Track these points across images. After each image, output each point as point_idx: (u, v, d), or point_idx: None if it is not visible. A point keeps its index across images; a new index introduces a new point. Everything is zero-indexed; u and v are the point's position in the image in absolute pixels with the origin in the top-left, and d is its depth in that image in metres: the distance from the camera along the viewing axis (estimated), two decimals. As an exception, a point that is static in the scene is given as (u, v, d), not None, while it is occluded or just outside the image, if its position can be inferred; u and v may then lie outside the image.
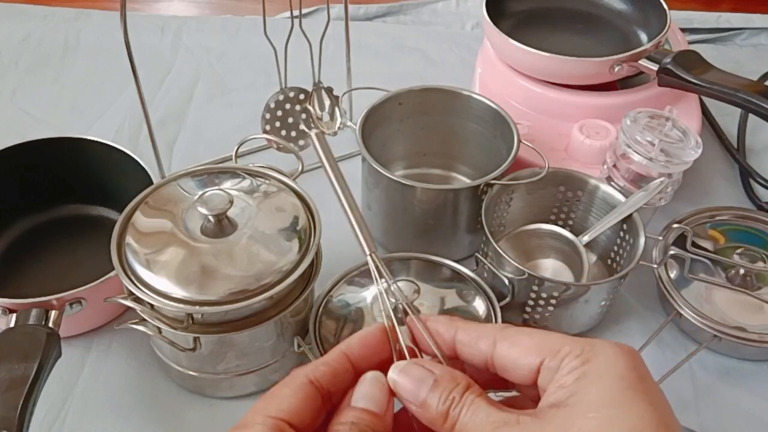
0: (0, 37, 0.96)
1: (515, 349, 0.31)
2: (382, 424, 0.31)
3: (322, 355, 0.53)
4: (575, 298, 0.57)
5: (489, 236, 0.59)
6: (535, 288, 0.57)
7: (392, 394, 0.32)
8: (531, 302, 0.59)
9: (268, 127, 0.73)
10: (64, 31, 0.98)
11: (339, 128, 0.75)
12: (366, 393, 0.32)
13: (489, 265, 0.60)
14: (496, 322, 0.56)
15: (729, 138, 0.83)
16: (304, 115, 0.75)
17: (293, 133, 0.75)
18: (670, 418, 0.28)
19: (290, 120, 0.74)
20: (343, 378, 0.32)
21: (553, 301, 0.58)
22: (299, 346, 0.55)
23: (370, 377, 0.32)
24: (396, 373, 0.32)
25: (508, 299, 0.58)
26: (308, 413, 0.30)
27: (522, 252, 0.66)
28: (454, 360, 0.34)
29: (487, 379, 0.34)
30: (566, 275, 0.64)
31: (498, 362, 0.32)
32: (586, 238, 0.63)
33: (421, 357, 0.34)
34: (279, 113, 0.73)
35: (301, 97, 0.74)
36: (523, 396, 0.34)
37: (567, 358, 0.29)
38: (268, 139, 0.73)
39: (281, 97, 0.72)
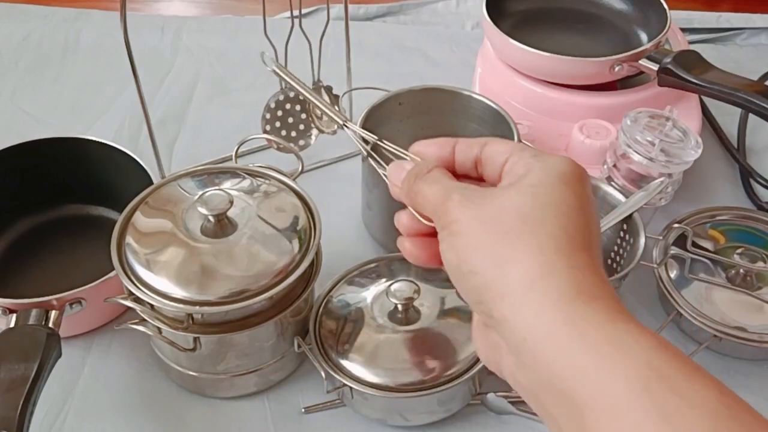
0: (0, 37, 0.96)
1: (495, 147, 0.36)
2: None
3: (322, 355, 0.53)
4: None
5: None
6: None
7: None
8: None
9: (268, 127, 0.73)
10: (64, 31, 0.98)
11: (339, 127, 0.75)
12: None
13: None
14: None
15: (729, 138, 0.83)
16: (304, 115, 0.75)
17: (293, 133, 0.75)
18: (590, 210, 0.33)
19: (290, 120, 0.74)
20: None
21: None
22: (299, 347, 0.55)
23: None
24: (390, 168, 0.39)
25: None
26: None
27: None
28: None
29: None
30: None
31: (483, 159, 0.37)
32: (586, 238, 0.63)
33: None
34: (279, 113, 0.74)
35: (301, 97, 0.73)
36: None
37: (526, 156, 0.34)
38: (268, 139, 0.73)
39: (281, 97, 0.73)
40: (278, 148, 0.73)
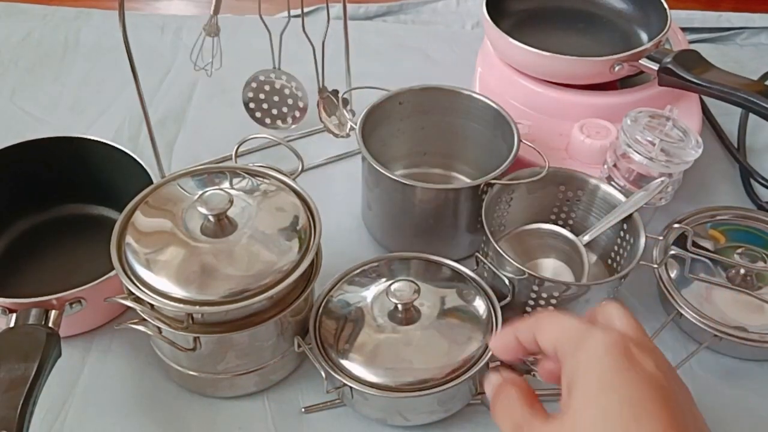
0: (0, 36, 0.96)
1: (541, 336, 0.36)
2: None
3: (322, 355, 0.53)
4: (575, 298, 0.57)
5: (489, 236, 0.59)
6: (536, 288, 0.57)
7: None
8: (531, 302, 0.59)
9: (250, 95, 0.74)
10: (64, 30, 0.98)
11: (350, 129, 0.75)
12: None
13: (489, 264, 0.60)
14: (496, 322, 0.56)
15: (729, 137, 0.83)
16: (287, 90, 0.75)
17: (275, 111, 0.76)
18: (641, 409, 0.30)
19: (276, 98, 0.75)
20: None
21: (553, 301, 0.58)
22: (299, 346, 0.55)
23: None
24: (485, 384, 0.40)
25: (508, 299, 0.58)
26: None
27: (522, 252, 0.66)
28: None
29: None
30: (566, 275, 0.63)
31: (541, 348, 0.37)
32: (586, 238, 0.63)
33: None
34: (266, 88, 0.75)
35: (293, 84, 0.74)
36: None
37: (563, 351, 0.34)
38: (265, 128, 0.74)
39: (272, 75, 0.73)
40: (269, 124, 0.74)
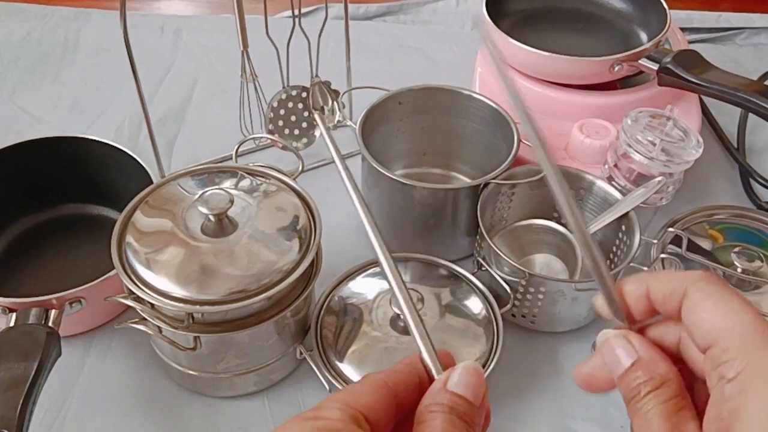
0: (0, 36, 0.96)
1: (693, 316, 0.28)
2: (478, 416, 0.29)
3: (324, 363, 0.53)
4: (563, 295, 0.57)
5: (484, 232, 0.59)
6: (524, 282, 0.57)
7: (486, 387, 0.31)
8: (519, 296, 0.59)
9: (271, 126, 0.73)
10: (63, 30, 0.98)
11: (339, 121, 0.75)
12: (464, 380, 0.30)
13: (483, 262, 0.60)
14: (495, 324, 0.56)
15: (729, 138, 0.83)
16: (306, 113, 0.75)
17: (296, 131, 0.75)
18: None
19: (293, 118, 0.74)
20: (414, 389, 0.31)
21: (540, 296, 0.58)
22: (300, 353, 0.55)
23: (467, 365, 0.31)
24: (601, 341, 0.31)
25: (509, 306, 0.58)
26: (383, 413, 0.29)
27: (517, 247, 0.66)
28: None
29: None
30: (560, 270, 0.64)
31: (685, 326, 0.29)
32: (582, 235, 0.63)
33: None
34: (282, 112, 0.74)
35: (303, 95, 0.74)
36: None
37: (728, 367, 0.26)
38: (272, 139, 0.73)
39: (284, 96, 0.73)
40: (282, 147, 0.73)
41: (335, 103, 0.74)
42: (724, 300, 0.27)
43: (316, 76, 0.73)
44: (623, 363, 0.29)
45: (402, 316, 0.34)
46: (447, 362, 0.32)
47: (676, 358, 0.30)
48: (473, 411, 0.29)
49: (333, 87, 0.75)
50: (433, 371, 0.32)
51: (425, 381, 0.31)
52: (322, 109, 0.75)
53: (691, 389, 0.30)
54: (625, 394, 0.29)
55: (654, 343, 0.30)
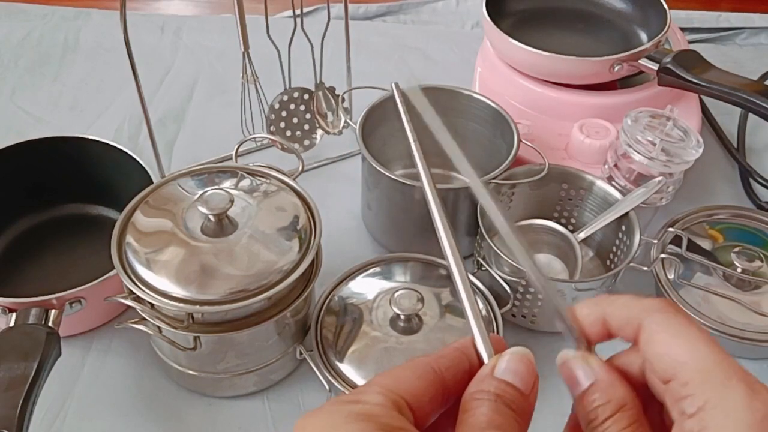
0: (0, 36, 0.96)
1: (654, 347, 0.28)
2: (527, 404, 0.28)
3: (324, 363, 0.53)
4: (563, 295, 0.58)
5: (484, 233, 0.59)
6: (524, 282, 0.57)
7: (537, 375, 0.29)
8: (519, 296, 0.59)
9: (273, 128, 0.73)
10: (63, 30, 0.98)
11: (344, 127, 0.75)
12: (512, 367, 0.28)
13: (483, 262, 0.60)
14: (495, 323, 0.56)
15: (729, 137, 0.83)
16: (308, 115, 0.75)
17: (298, 133, 0.75)
18: None
19: (295, 120, 0.74)
20: (463, 375, 0.29)
21: (540, 296, 0.58)
22: (300, 354, 0.55)
23: (516, 351, 0.29)
24: (560, 361, 0.30)
25: (509, 306, 0.58)
26: (427, 400, 0.28)
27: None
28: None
29: None
30: (560, 270, 0.64)
31: (644, 356, 0.28)
32: (581, 235, 0.63)
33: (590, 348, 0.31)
34: (283, 114, 0.74)
35: (305, 97, 0.74)
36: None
37: (688, 403, 0.26)
38: (272, 140, 0.73)
39: (285, 98, 0.73)
40: (282, 148, 0.73)
41: (339, 109, 0.74)
42: (681, 332, 0.27)
43: (321, 81, 0.73)
44: (581, 384, 0.29)
45: (457, 295, 0.33)
46: (499, 348, 0.30)
47: (639, 383, 0.30)
48: (522, 399, 0.28)
49: (336, 91, 0.75)
50: (485, 356, 0.30)
51: (475, 367, 0.30)
52: (326, 114, 0.75)
53: (654, 409, 0.30)
54: (582, 417, 0.28)
55: (617, 368, 0.30)
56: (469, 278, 0.34)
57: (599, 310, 0.30)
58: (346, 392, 0.51)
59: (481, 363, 0.30)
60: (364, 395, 0.27)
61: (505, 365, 0.28)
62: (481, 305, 0.57)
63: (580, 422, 0.29)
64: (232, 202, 0.51)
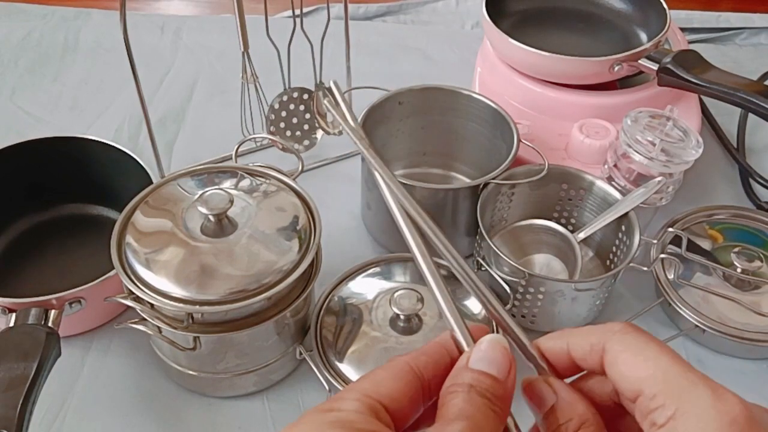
0: (0, 36, 0.96)
1: (619, 367, 0.28)
2: (504, 390, 0.28)
3: (324, 364, 0.53)
4: (562, 295, 0.58)
5: (483, 233, 0.59)
6: (523, 282, 0.57)
7: (513, 359, 0.29)
8: (519, 296, 0.59)
9: (272, 128, 0.73)
10: (63, 30, 0.98)
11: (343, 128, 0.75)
12: (487, 356, 0.29)
13: (483, 262, 0.60)
14: (496, 326, 0.56)
15: (729, 137, 0.83)
16: (308, 115, 0.75)
17: (298, 133, 0.75)
18: None
19: (294, 120, 0.74)
20: (444, 370, 0.30)
21: (540, 296, 0.58)
22: (300, 354, 0.55)
23: (490, 339, 0.29)
24: (523, 385, 0.30)
25: (509, 306, 0.58)
26: (406, 401, 0.28)
27: (517, 247, 0.66)
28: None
29: None
30: (559, 270, 0.64)
31: (610, 377, 0.29)
32: (581, 235, 0.63)
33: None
34: (283, 114, 0.74)
35: (305, 97, 0.74)
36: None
37: (658, 414, 0.26)
38: (272, 140, 0.73)
39: (285, 98, 0.73)
40: (282, 149, 0.73)
41: (344, 107, 0.74)
42: (642, 348, 0.28)
43: (321, 81, 0.73)
44: (545, 404, 0.29)
45: (430, 289, 0.33)
46: (481, 336, 0.30)
47: (603, 402, 0.30)
48: (497, 386, 0.28)
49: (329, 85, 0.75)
50: (464, 346, 0.30)
51: (456, 360, 0.30)
52: (326, 114, 0.75)
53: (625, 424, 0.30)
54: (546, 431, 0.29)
55: (579, 389, 0.30)
56: (438, 270, 0.35)
57: (562, 342, 0.31)
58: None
59: (461, 354, 0.30)
60: (340, 402, 0.27)
61: (480, 354, 0.29)
62: (480, 305, 0.57)
63: None
64: (231, 202, 0.51)
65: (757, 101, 0.62)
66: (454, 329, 0.31)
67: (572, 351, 0.30)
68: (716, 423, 0.25)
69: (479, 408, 0.27)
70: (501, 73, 0.77)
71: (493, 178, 0.61)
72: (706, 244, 0.66)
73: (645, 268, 0.60)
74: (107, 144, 0.67)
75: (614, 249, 0.64)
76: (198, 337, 0.51)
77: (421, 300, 0.53)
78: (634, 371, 0.27)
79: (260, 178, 0.56)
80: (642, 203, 0.62)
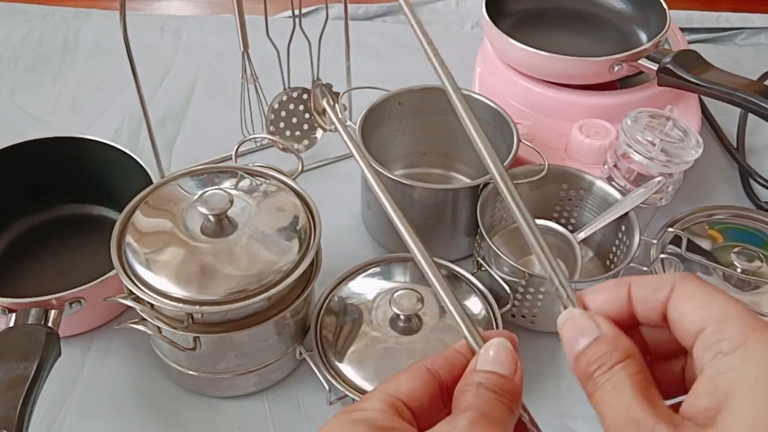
0: (0, 36, 0.96)
1: (684, 304, 0.28)
2: (511, 386, 0.30)
3: (324, 364, 0.53)
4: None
5: (483, 233, 0.59)
6: (523, 282, 0.57)
7: (518, 359, 0.31)
8: (519, 296, 0.59)
9: (272, 128, 0.73)
10: (63, 30, 0.98)
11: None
12: (491, 357, 0.31)
13: (482, 262, 0.60)
14: (495, 323, 0.56)
15: (729, 137, 0.83)
16: (307, 115, 0.75)
17: (297, 133, 0.75)
18: None
19: (294, 120, 0.74)
20: (460, 371, 0.32)
21: (540, 296, 0.58)
22: (300, 354, 0.55)
23: (495, 342, 0.31)
24: (563, 319, 0.30)
25: (509, 306, 0.58)
26: (425, 398, 0.30)
27: (517, 247, 0.66)
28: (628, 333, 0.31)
29: (667, 347, 0.31)
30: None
31: (669, 315, 0.29)
32: (581, 235, 0.63)
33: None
34: (283, 114, 0.74)
35: (305, 96, 0.74)
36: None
37: (726, 342, 0.26)
38: (272, 140, 0.73)
39: (285, 98, 0.73)
40: (282, 149, 0.73)
41: (336, 105, 0.74)
42: (713, 292, 0.28)
43: (318, 78, 0.73)
44: (589, 336, 0.29)
45: (440, 297, 0.36)
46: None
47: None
48: (505, 382, 0.30)
49: (334, 89, 0.75)
50: (476, 349, 0.32)
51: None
52: (323, 111, 0.75)
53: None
54: (585, 369, 0.28)
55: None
56: (443, 278, 0.38)
57: (621, 288, 0.30)
58: (346, 392, 0.51)
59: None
60: (365, 403, 0.30)
61: (487, 357, 0.31)
62: (480, 305, 0.57)
63: (579, 381, 0.29)
64: (231, 202, 0.51)
65: (757, 101, 0.62)
66: (466, 335, 0.33)
67: (634, 291, 0.30)
68: None
69: (488, 400, 0.29)
70: (501, 73, 0.77)
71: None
72: (706, 244, 0.66)
73: (645, 268, 0.60)
74: (107, 144, 0.67)
75: (614, 249, 0.64)
76: (198, 337, 0.51)
77: (421, 300, 0.53)
78: (706, 308, 0.27)
79: (260, 178, 0.56)
80: (642, 203, 0.62)
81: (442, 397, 0.31)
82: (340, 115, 0.73)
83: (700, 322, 0.27)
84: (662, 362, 0.31)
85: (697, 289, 0.28)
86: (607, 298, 0.30)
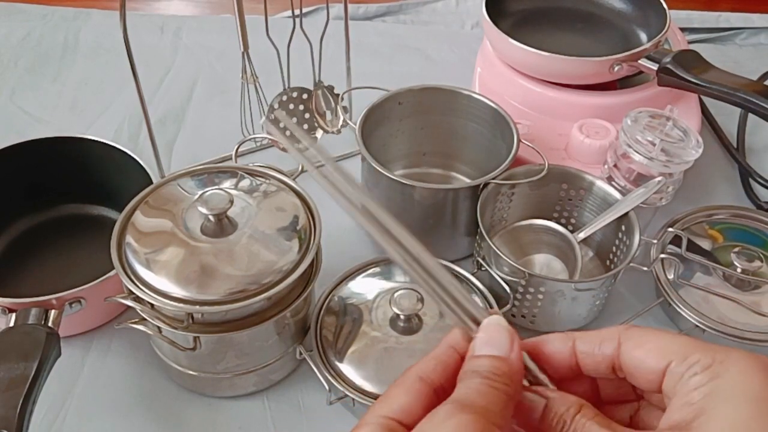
0: (0, 36, 0.96)
1: (640, 351, 0.29)
2: (508, 367, 0.29)
3: (324, 364, 0.53)
4: (562, 295, 0.58)
5: (483, 233, 0.59)
6: (523, 282, 0.57)
7: (514, 334, 0.30)
8: (519, 296, 0.59)
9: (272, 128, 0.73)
10: (63, 30, 0.98)
11: (342, 126, 0.75)
12: (486, 339, 0.30)
13: (482, 262, 0.60)
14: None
15: (729, 137, 0.83)
16: (307, 115, 0.75)
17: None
18: None
19: (294, 120, 0.74)
20: (454, 370, 0.31)
21: (540, 296, 0.58)
22: (300, 354, 0.55)
23: (487, 322, 0.31)
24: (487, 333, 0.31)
25: (509, 306, 0.58)
26: (420, 410, 0.29)
27: (517, 247, 0.66)
28: (576, 380, 0.32)
29: (616, 393, 0.33)
30: (559, 270, 0.64)
31: (624, 364, 0.30)
32: (581, 235, 0.63)
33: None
34: (283, 113, 0.74)
35: (305, 96, 0.74)
36: (649, 406, 0.32)
37: (695, 366, 0.27)
38: (272, 140, 0.73)
39: (284, 98, 0.73)
40: (282, 149, 0.73)
41: (338, 108, 0.74)
42: (661, 332, 0.29)
43: (320, 80, 0.73)
44: (537, 408, 0.30)
45: (428, 293, 0.34)
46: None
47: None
48: (500, 363, 0.29)
49: (335, 90, 0.75)
50: (472, 333, 0.31)
51: (465, 356, 0.32)
52: (325, 114, 0.75)
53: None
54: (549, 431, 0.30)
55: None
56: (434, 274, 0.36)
57: (566, 342, 0.31)
58: (346, 392, 0.51)
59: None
60: (359, 429, 0.29)
61: (480, 340, 0.31)
62: (480, 305, 0.57)
63: None
64: (231, 202, 0.51)
65: (757, 101, 0.62)
66: (461, 322, 0.32)
67: (579, 348, 0.31)
68: (758, 365, 0.26)
69: (478, 386, 0.29)
70: (501, 73, 0.77)
71: (493, 178, 0.61)
72: (706, 244, 0.66)
73: (645, 268, 0.60)
74: (107, 144, 0.67)
75: (614, 249, 0.64)
76: (198, 337, 0.51)
77: (421, 300, 0.53)
78: (661, 348, 0.28)
79: (260, 178, 0.56)
80: (642, 203, 0.62)
81: (439, 401, 0.30)
82: (342, 118, 0.73)
83: (663, 359, 0.28)
84: (611, 406, 0.32)
85: (645, 334, 0.30)
86: (552, 352, 0.32)
